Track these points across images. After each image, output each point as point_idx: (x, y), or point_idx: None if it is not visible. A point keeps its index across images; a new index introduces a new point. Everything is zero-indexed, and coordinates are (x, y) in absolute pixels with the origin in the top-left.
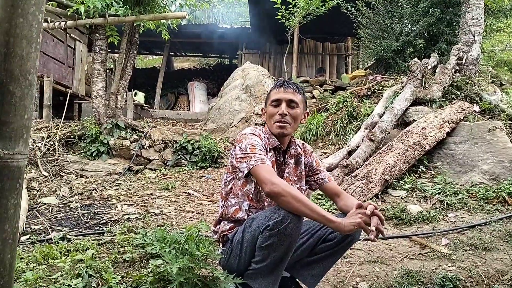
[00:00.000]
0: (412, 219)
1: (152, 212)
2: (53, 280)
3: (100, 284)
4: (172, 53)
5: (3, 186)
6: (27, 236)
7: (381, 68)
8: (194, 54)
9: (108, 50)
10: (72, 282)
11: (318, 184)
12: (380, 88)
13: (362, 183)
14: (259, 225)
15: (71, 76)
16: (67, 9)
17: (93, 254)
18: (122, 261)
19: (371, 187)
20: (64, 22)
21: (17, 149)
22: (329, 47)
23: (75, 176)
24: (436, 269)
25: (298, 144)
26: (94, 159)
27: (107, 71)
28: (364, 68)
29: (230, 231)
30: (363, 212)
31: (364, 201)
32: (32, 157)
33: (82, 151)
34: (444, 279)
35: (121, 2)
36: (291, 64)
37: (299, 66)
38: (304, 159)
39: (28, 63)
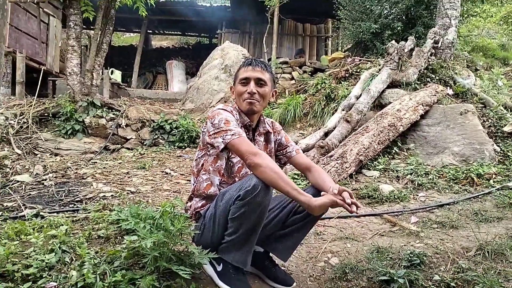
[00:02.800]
0: (384, 198)
1: (128, 190)
2: (26, 256)
3: (74, 259)
4: (150, 31)
5: None
6: None
7: (359, 51)
8: (173, 32)
9: (83, 26)
10: (45, 257)
11: (287, 158)
12: (358, 70)
13: (337, 163)
14: (230, 197)
15: (44, 52)
16: None
17: (66, 229)
18: (96, 237)
19: (346, 167)
20: None
21: None
22: (309, 29)
23: (50, 155)
24: (404, 245)
25: (267, 123)
26: (69, 137)
27: (82, 47)
28: (343, 50)
29: (202, 208)
30: (331, 193)
31: (339, 181)
32: (4, 135)
33: (56, 129)
34: (412, 255)
35: None
36: (271, 44)
37: (279, 47)
38: (273, 136)
39: None
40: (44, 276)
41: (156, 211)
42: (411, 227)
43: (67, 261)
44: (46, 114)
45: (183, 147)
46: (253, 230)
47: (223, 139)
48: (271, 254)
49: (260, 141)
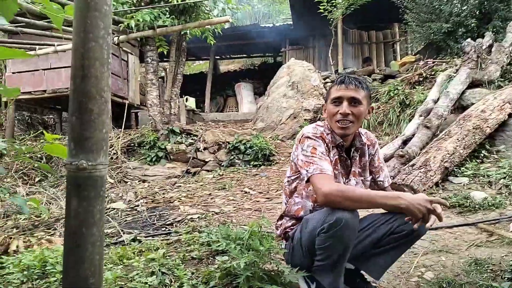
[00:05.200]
0: (476, 206)
1: (212, 211)
2: (130, 279)
3: (173, 281)
4: (218, 57)
5: (89, 195)
6: None
7: (432, 52)
8: (238, 55)
9: (159, 60)
10: (147, 280)
11: (378, 187)
12: (433, 73)
13: (420, 172)
14: (313, 228)
15: (126, 88)
16: (119, 25)
17: (164, 253)
18: (190, 258)
19: (430, 176)
20: (117, 37)
21: (99, 160)
22: (374, 36)
23: (138, 181)
24: (505, 256)
25: (361, 133)
26: (154, 164)
27: (159, 80)
28: (413, 54)
29: (292, 227)
30: (432, 199)
31: (424, 190)
32: None
33: (142, 158)
34: None
35: (167, 13)
36: (336, 56)
37: (345, 57)
38: (368, 150)
39: (102, 81)
40: None
41: (244, 231)
42: (511, 236)
43: (167, 283)
44: (132, 144)
45: (258, 165)
46: (341, 258)
47: (307, 172)
48: (362, 272)
49: (356, 157)
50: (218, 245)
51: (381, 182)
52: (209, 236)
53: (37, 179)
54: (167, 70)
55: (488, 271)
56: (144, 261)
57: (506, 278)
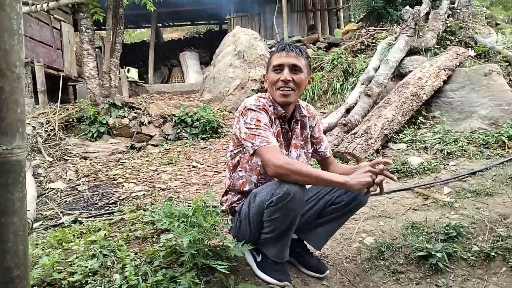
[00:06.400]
0: (413, 171)
1: (158, 187)
2: (69, 263)
3: (115, 262)
4: (160, 25)
5: (6, 181)
6: (40, 223)
7: (373, 20)
8: (182, 23)
9: (95, 28)
10: (88, 263)
11: (320, 157)
12: (374, 41)
13: (362, 140)
14: (262, 201)
15: (61, 59)
16: None
17: (105, 234)
18: (134, 238)
19: (371, 143)
20: (46, 4)
21: (15, 143)
22: (319, 2)
23: (80, 159)
24: (440, 218)
25: (302, 106)
26: (96, 140)
27: (96, 50)
28: (356, 22)
29: (238, 202)
30: (374, 171)
31: (365, 157)
32: (34, 144)
33: (83, 134)
34: (448, 227)
35: None
36: (282, 24)
37: (290, 25)
38: (308, 121)
39: (13, 56)
40: (89, 282)
41: (189, 208)
42: (445, 199)
43: (109, 265)
44: (71, 120)
45: (207, 138)
46: (288, 229)
47: (252, 144)
48: (305, 242)
49: (297, 129)
50: (162, 224)
51: (322, 153)
52: (152, 215)
53: None
54: (104, 39)
55: (424, 233)
56: (84, 243)
57: (439, 240)
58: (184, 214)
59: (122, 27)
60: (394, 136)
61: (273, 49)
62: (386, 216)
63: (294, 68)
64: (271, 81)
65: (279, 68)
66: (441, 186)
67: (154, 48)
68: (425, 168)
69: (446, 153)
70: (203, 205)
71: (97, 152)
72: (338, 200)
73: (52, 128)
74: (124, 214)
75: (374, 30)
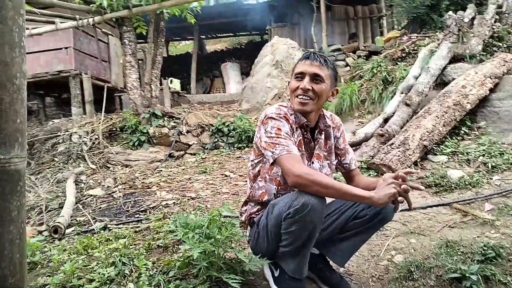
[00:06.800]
0: (453, 185)
1: (189, 196)
2: (90, 270)
3: (133, 271)
4: (203, 36)
5: (3, 190)
6: (72, 228)
7: (416, 27)
8: (225, 34)
9: (138, 41)
10: (106, 271)
11: (344, 169)
12: (416, 48)
13: (399, 151)
14: (280, 212)
15: (108, 70)
16: (91, 5)
17: (125, 242)
18: (156, 247)
19: (409, 155)
20: (92, 19)
21: (13, 153)
22: (361, 10)
23: (121, 167)
24: (478, 237)
25: (326, 116)
26: (137, 148)
27: (139, 61)
28: (399, 29)
29: (257, 213)
30: (397, 183)
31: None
32: (79, 152)
33: (125, 142)
34: (486, 247)
35: None
36: (320, 33)
37: (331, 34)
38: (333, 132)
39: (14, 68)
40: None
41: (204, 218)
42: (485, 216)
43: (126, 273)
44: (114, 129)
45: (242, 148)
46: (307, 243)
47: (272, 153)
48: (327, 257)
49: (320, 139)
50: (176, 234)
51: (346, 165)
52: (174, 224)
53: None
54: (146, 51)
55: (459, 253)
56: (107, 250)
57: (475, 261)
58: (200, 225)
59: (163, 40)
60: (434, 148)
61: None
62: (419, 233)
63: (315, 78)
64: (291, 88)
65: (300, 76)
66: (482, 202)
67: (196, 60)
68: (466, 182)
69: (490, 167)
70: (219, 216)
71: (138, 160)
72: (361, 214)
73: (96, 136)
74: (151, 222)
75: (416, 37)
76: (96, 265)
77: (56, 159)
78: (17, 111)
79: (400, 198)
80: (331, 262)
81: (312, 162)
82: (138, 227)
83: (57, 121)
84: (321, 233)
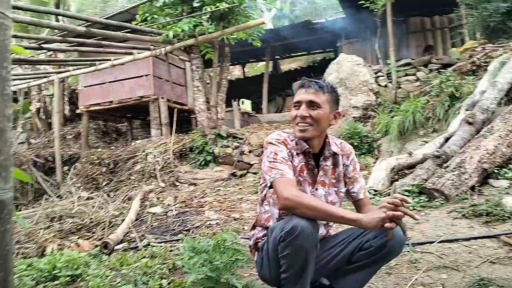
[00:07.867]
0: (506, 215)
1: (233, 216)
2: (113, 286)
3: None
4: (278, 57)
5: None
6: (122, 244)
7: (492, 36)
8: (298, 53)
9: (204, 67)
10: None
11: (352, 198)
12: (488, 60)
13: (453, 175)
14: (275, 236)
15: (185, 94)
16: (158, 37)
17: (146, 262)
18: (179, 267)
19: (465, 179)
20: (163, 48)
21: None
22: (438, 21)
23: (188, 185)
24: None
25: (335, 143)
26: (203, 167)
27: (208, 86)
28: (478, 39)
29: (263, 238)
30: (389, 207)
31: (456, 195)
32: (152, 171)
33: (193, 162)
34: None
35: (208, 20)
36: (387, 47)
37: (406, 48)
38: (342, 159)
39: None
40: None
41: (209, 244)
42: None
43: None
44: (184, 149)
45: None
46: (303, 269)
47: (269, 177)
48: None
49: (326, 166)
50: (181, 258)
51: (354, 194)
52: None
53: (104, 183)
54: (212, 76)
55: None
56: (135, 268)
57: None
58: (206, 250)
59: (227, 64)
60: (496, 171)
61: (380, 73)
62: (454, 268)
63: (312, 104)
64: (291, 117)
65: (298, 104)
66: None
67: (269, 80)
68: None
69: None
70: (223, 242)
71: (204, 178)
72: (366, 246)
73: (168, 156)
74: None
75: (491, 47)
76: (118, 282)
77: (132, 177)
78: (0, 149)
79: (391, 224)
80: None
81: (316, 189)
82: (175, 246)
83: (138, 141)
84: (328, 263)
